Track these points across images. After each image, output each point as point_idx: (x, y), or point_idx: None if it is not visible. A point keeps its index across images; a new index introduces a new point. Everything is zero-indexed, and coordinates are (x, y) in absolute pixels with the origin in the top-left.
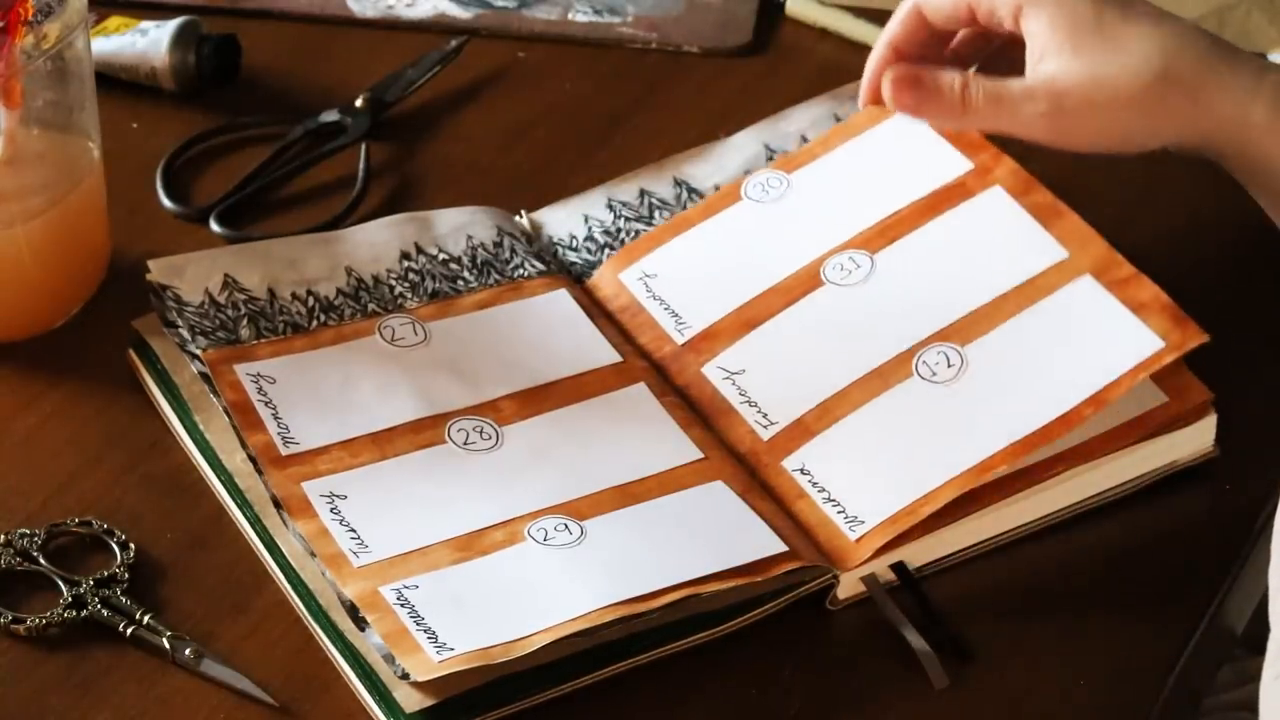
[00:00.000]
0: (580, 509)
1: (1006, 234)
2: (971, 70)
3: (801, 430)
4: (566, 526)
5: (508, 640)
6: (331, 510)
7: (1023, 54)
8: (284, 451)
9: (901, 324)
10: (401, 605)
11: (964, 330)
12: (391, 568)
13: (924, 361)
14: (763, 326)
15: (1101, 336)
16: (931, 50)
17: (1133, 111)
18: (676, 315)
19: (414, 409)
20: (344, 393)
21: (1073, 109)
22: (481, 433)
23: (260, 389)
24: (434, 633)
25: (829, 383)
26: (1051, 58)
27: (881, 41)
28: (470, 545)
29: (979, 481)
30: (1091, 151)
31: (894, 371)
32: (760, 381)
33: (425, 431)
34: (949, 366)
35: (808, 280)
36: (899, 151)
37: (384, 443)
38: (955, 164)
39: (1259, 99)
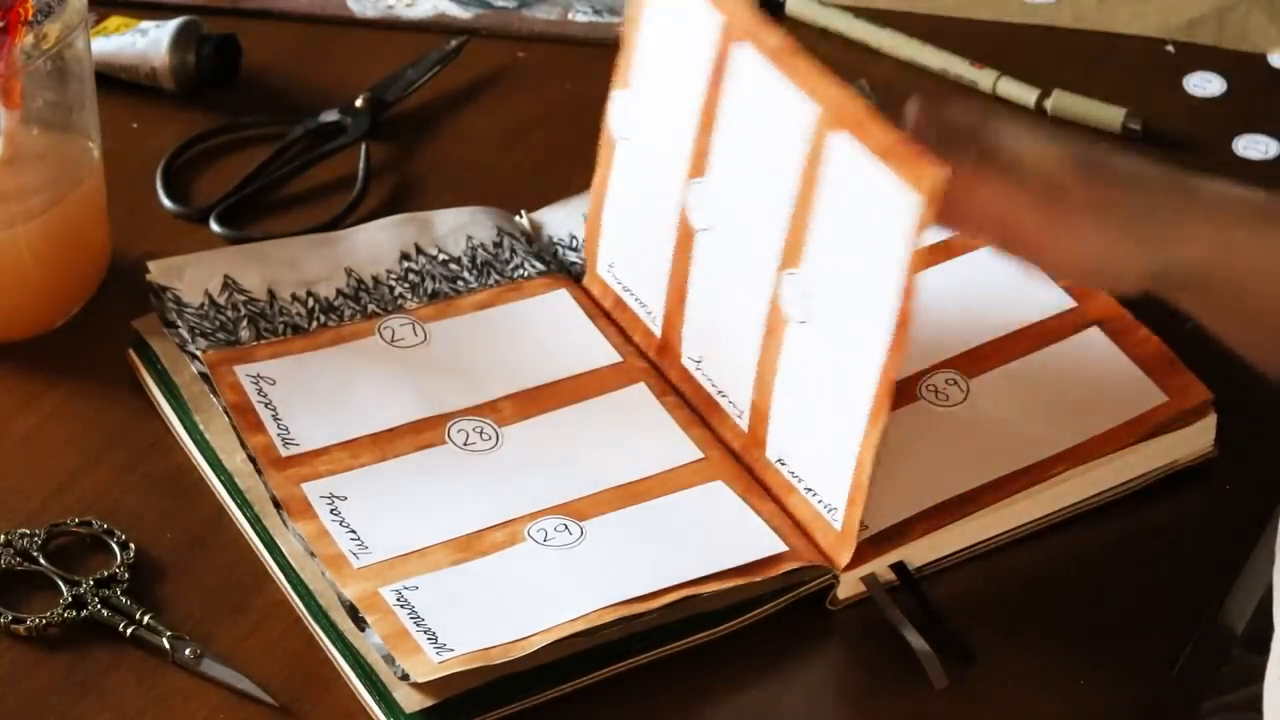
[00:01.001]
0: (580, 509)
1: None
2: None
3: (758, 414)
4: (566, 527)
5: (507, 641)
6: (331, 511)
7: None
8: (284, 453)
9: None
10: (401, 606)
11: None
12: (391, 569)
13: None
14: (689, 294)
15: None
16: None
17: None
18: (642, 303)
19: (414, 410)
20: (344, 394)
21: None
22: (481, 433)
23: (260, 390)
24: (434, 634)
25: (749, 341)
26: None
27: None
28: (470, 546)
29: (981, 501)
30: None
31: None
32: (715, 366)
33: (425, 432)
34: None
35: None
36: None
37: (384, 444)
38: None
39: (1239, 224)
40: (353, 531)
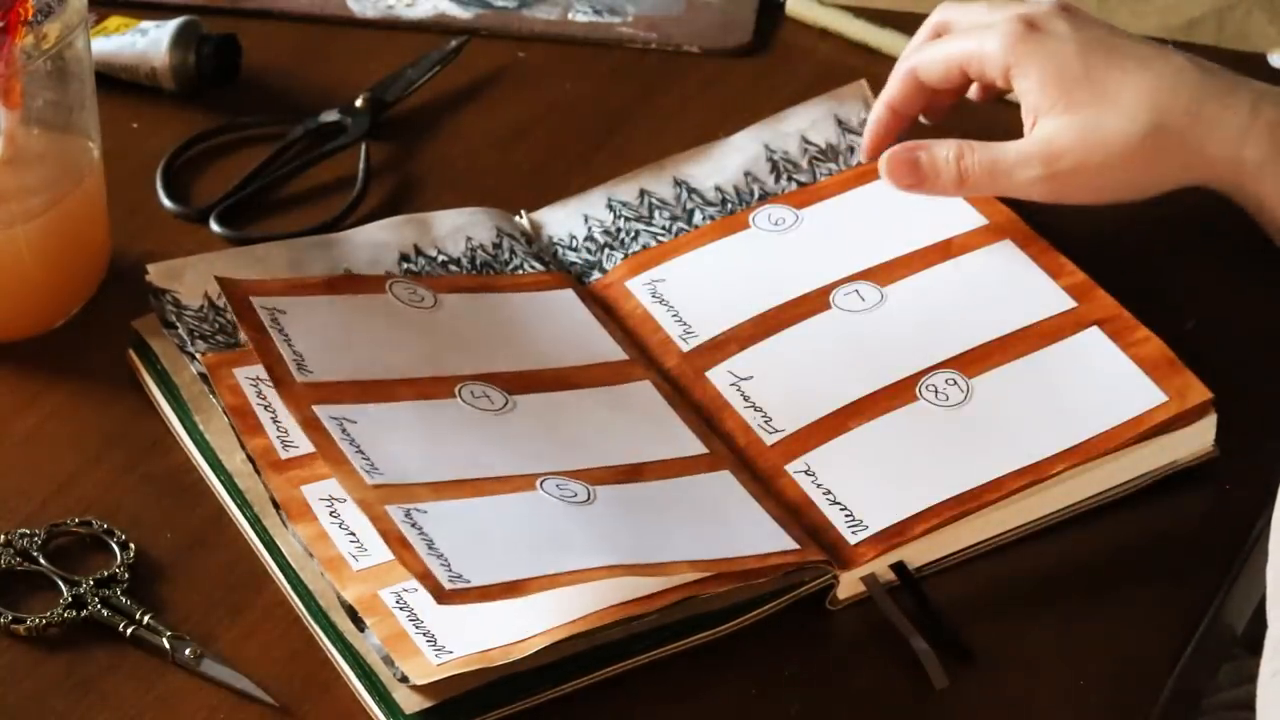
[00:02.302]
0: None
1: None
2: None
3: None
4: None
5: (506, 643)
6: (331, 514)
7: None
8: (283, 455)
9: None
10: (400, 608)
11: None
12: (390, 571)
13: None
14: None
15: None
16: (931, 103)
17: (1127, 166)
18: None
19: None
20: None
21: (1068, 170)
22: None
23: (259, 393)
24: (433, 636)
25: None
26: (1044, 117)
27: (880, 102)
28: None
29: (981, 501)
30: (1092, 204)
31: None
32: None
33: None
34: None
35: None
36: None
37: None
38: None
39: (1250, 139)
40: (351, 534)
